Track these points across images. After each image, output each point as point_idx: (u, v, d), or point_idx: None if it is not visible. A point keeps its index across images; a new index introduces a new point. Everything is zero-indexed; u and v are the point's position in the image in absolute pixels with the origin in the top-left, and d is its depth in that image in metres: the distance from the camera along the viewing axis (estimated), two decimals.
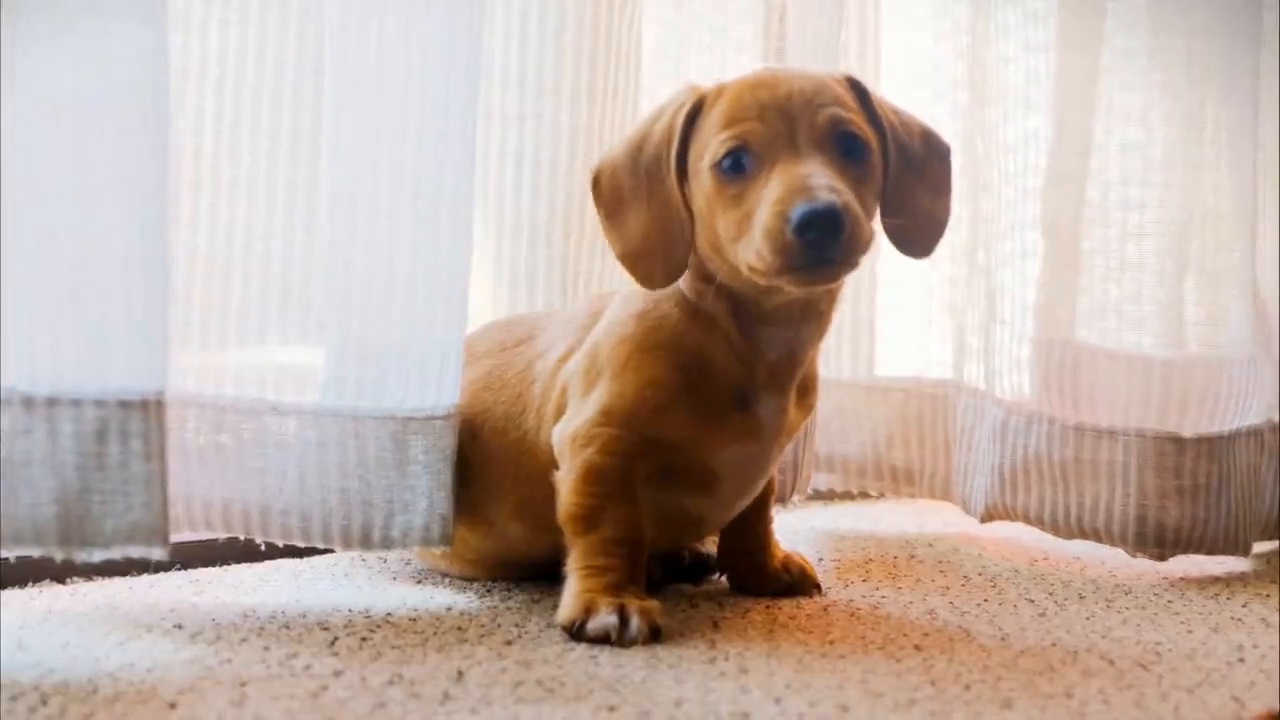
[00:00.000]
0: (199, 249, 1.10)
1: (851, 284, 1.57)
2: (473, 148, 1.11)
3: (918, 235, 1.09)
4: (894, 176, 1.06)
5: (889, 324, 1.62)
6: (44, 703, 0.83)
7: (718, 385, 1.07)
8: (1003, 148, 1.46)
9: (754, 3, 1.45)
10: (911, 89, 1.56)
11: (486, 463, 1.14)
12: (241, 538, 1.11)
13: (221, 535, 1.11)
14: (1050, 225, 1.44)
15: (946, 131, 1.51)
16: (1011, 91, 1.45)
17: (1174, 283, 1.43)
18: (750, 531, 1.20)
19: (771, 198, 0.97)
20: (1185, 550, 1.36)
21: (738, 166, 1.01)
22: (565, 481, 1.07)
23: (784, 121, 1.00)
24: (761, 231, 0.97)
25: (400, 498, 1.10)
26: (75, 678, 0.88)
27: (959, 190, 1.51)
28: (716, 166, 1.01)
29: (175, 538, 1.19)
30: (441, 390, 1.11)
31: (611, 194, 1.07)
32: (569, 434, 1.07)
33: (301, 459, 1.09)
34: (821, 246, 0.95)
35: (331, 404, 1.10)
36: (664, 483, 1.09)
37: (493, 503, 1.15)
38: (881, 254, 1.61)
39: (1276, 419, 1.44)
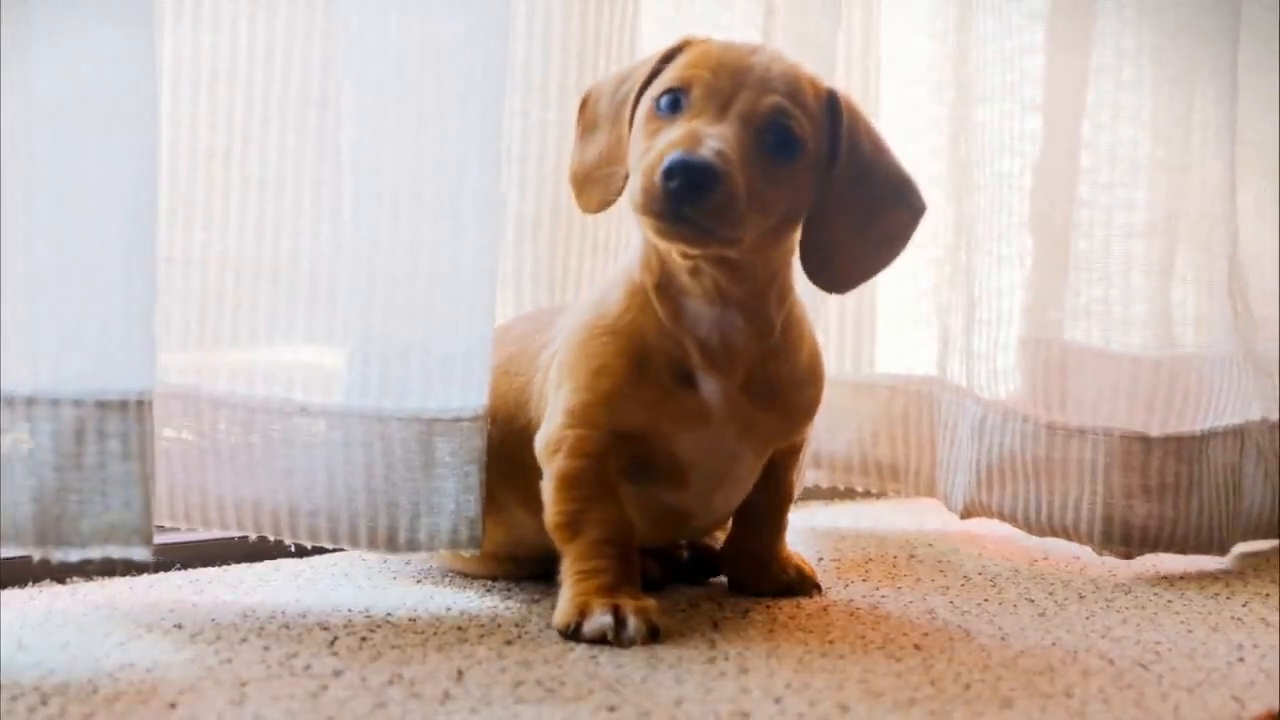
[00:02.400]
0: (229, 249, 1.10)
1: None
2: (497, 145, 1.11)
3: (830, 269, 1.08)
4: (835, 199, 1.05)
5: (883, 323, 1.62)
6: (44, 703, 0.83)
7: (658, 363, 1.06)
8: (995, 147, 1.45)
9: (756, 2, 1.44)
10: (906, 88, 1.56)
11: (499, 447, 1.14)
12: (272, 538, 1.11)
13: (253, 535, 1.11)
14: (1037, 225, 1.44)
15: (941, 132, 1.53)
16: (1004, 92, 1.45)
17: (1156, 282, 1.43)
18: (762, 533, 1.20)
19: (664, 140, 0.99)
20: (1153, 549, 1.36)
21: (674, 106, 1.02)
22: (546, 490, 1.07)
23: (730, 86, 1.01)
24: (642, 167, 0.99)
25: (426, 500, 1.10)
26: (75, 678, 0.88)
27: (949, 189, 1.51)
28: (655, 100, 1.03)
29: (184, 537, 1.20)
30: (468, 391, 1.10)
31: (590, 116, 1.11)
32: (544, 441, 1.08)
33: (329, 460, 1.09)
34: (680, 199, 0.96)
35: (358, 405, 1.09)
36: (638, 477, 1.09)
37: (503, 488, 1.14)
38: None
39: (1275, 419, 1.44)
